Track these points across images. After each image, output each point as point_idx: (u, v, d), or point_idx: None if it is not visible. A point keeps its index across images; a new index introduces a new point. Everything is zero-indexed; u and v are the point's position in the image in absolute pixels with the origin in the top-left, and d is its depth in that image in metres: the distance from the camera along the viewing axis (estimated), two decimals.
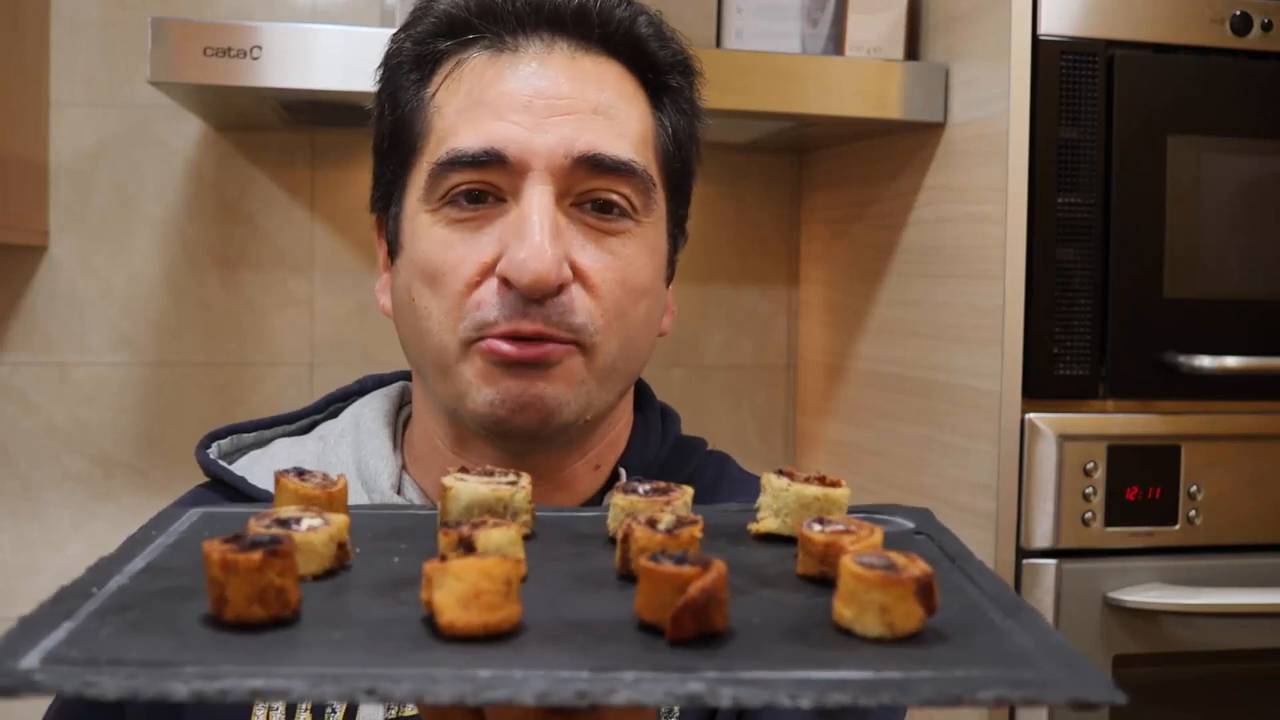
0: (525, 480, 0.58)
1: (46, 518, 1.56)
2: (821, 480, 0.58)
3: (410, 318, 0.79)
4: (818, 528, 0.51)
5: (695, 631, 0.43)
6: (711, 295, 1.74)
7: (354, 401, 0.92)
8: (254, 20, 1.39)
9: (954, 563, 0.54)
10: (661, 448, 0.87)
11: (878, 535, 0.51)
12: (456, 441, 0.82)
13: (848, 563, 0.45)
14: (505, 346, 0.74)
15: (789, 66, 1.34)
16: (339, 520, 0.52)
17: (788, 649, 0.43)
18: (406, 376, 0.93)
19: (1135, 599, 1.21)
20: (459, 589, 0.42)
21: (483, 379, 0.75)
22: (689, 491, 0.59)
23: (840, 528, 0.51)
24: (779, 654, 0.43)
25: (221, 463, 0.86)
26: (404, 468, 0.85)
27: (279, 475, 0.57)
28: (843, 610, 0.45)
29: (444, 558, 0.44)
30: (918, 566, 0.45)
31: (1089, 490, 1.22)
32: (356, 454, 0.84)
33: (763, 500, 0.58)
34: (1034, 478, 1.21)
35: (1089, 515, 1.22)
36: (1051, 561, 1.21)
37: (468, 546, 0.47)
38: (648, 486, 0.58)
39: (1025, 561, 1.22)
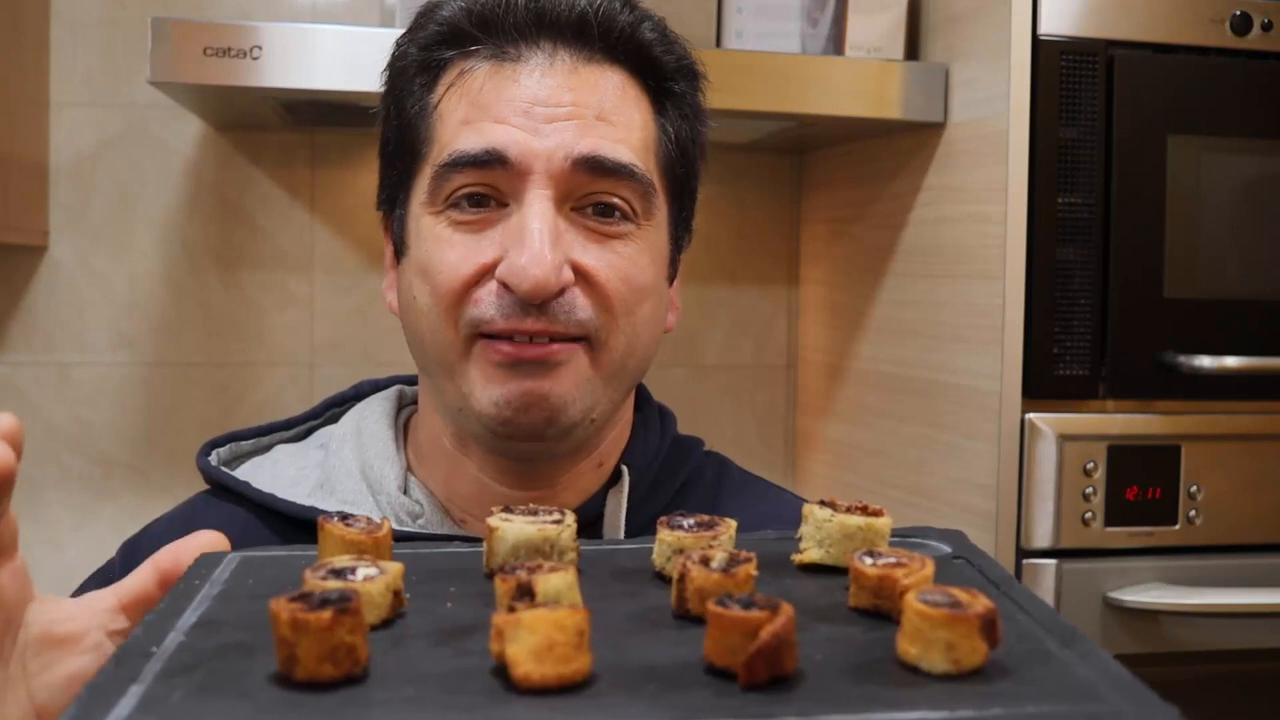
0: (570, 518, 0.59)
1: (46, 518, 1.56)
2: (864, 510, 0.58)
3: (413, 316, 0.79)
4: (869, 561, 0.52)
5: (767, 676, 0.43)
6: (711, 295, 1.74)
7: (349, 406, 0.92)
8: (254, 20, 1.39)
9: (999, 589, 0.55)
10: (661, 446, 0.88)
11: (929, 568, 0.51)
12: (460, 442, 0.82)
13: (912, 601, 0.45)
14: (507, 346, 0.74)
15: (789, 66, 1.34)
16: (394, 568, 0.51)
17: (860, 689, 0.43)
18: (402, 380, 0.93)
19: (1135, 599, 1.21)
20: (532, 641, 0.42)
21: (487, 379, 0.75)
22: (733, 525, 0.59)
23: (892, 560, 0.52)
24: (853, 695, 0.43)
25: (224, 469, 0.86)
26: (409, 469, 0.85)
27: (323, 521, 0.57)
28: (908, 647, 0.45)
29: (512, 608, 0.44)
30: (981, 603, 0.45)
31: (1089, 490, 1.22)
32: (360, 457, 0.84)
33: (805, 530, 0.59)
34: (1034, 478, 1.21)
35: (1089, 515, 1.22)
36: (1051, 561, 1.21)
37: (528, 593, 0.48)
38: (692, 521, 0.59)
39: (1025, 561, 1.22)
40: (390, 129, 0.82)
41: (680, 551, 0.56)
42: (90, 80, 1.56)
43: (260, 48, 1.20)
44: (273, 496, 0.82)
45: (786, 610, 0.44)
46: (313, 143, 1.61)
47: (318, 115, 1.46)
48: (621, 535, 0.82)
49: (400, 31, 0.84)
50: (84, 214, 1.57)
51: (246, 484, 0.83)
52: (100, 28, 1.55)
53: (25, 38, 1.48)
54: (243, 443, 0.91)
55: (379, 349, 1.62)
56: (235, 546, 0.80)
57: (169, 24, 1.19)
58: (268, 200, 1.61)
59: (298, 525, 0.80)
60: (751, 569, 0.51)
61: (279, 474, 0.86)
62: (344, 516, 0.58)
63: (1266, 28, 1.26)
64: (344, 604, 0.44)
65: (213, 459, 0.87)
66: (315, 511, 0.79)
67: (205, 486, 0.88)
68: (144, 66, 1.20)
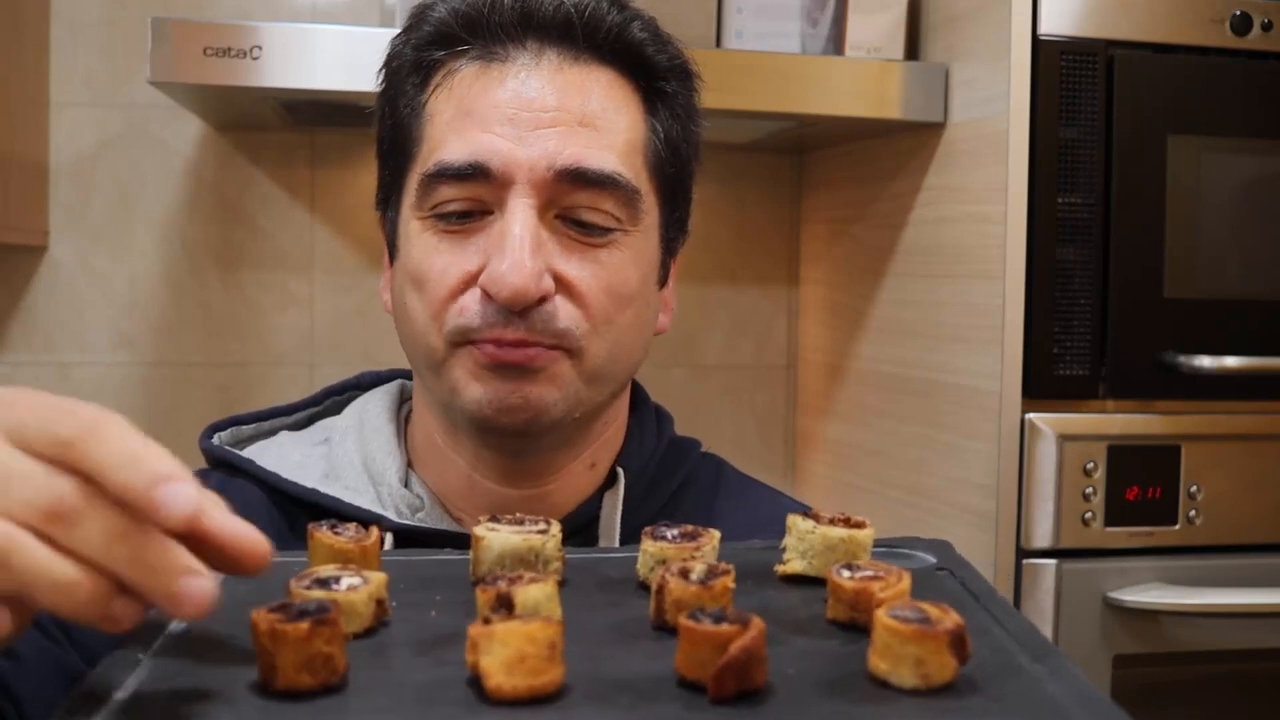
0: (555, 528, 0.59)
1: None
2: (846, 521, 0.59)
3: (403, 318, 0.80)
4: (847, 574, 0.52)
5: (736, 690, 0.43)
6: (711, 295, 1.74)
7: (351, 395, 0.93)
8: (254, 20, 1.39)
9: (978, 601, 0.55)
10: (657, 448, 0.88)
11: (906, 581, 0.51)
12: (452, 438, 0.82)
13: (882, 616, 0.45)
14: (490, 348, 0.75)
15: (789, 66, 1.34)
16: (378, 578, 0.52)
17: (828, 704, 0.44)
18: (403, 374, 0.93)
19: (1135, 599, 1.21)
20: (504, 654, 0.43)
21: (471, 377, 0.76)
22: (716, 535, 0.60)
23: (869, 574, 0.52)
24: (821, 710, 0.43)
25: (230, 448, 0.86)
26: (409, 464, 0.86)
27: (312, 529, 0.57)
28: (878, 663, 0.45)
29: (487, 620, 0.45)
30: (950, 618, 0.45)
31: (1089, 490, 1.22)
32: (362, 450, 0.85)
33: (788, 542, 0.59)
34: (1034, 478, 1.21)
35: (1089, 515, 1.22)
36: (1051, 561, 1.21)
37: (506, 605, 0.48)
38: (675, 531, 0.59)
39: (1025, 561, 1.22)
40: (385, 129, 0.83)
41: (663, 562, 0.56)
42: (90, 80, 1.56)
43: (260, 48, 1.20)
44: (278, 476, 0.82)
45: (757, 624, 0.44)
46: (313, 143, 1.61)
47: (318, 115, 1.46)
48: (617, 537, 0.82)
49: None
50: (84, 214, 1.57)
51: (251, 461, 0.84)
52: (100, 28, 1.55)
53: (25, 38, 1.48)
54: (244, 427, 0.91)
55: (379, 349, 1.62)
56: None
57: (169, 24, 1.19)
58: (268, 200, 1.61)
59: (302, 506, 0.81)
60: (729, 581, 0.51)
61: (284, 456, 0.86)
62: (333, 525, 0.58)
63: (1266, 28, 1.26)
64: (321, 615, 0.44)
65: (216, 440, 0.88)
66: (320, 495, 0.80)
67: None
68: (144, 66, 1.20)
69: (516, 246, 0.73)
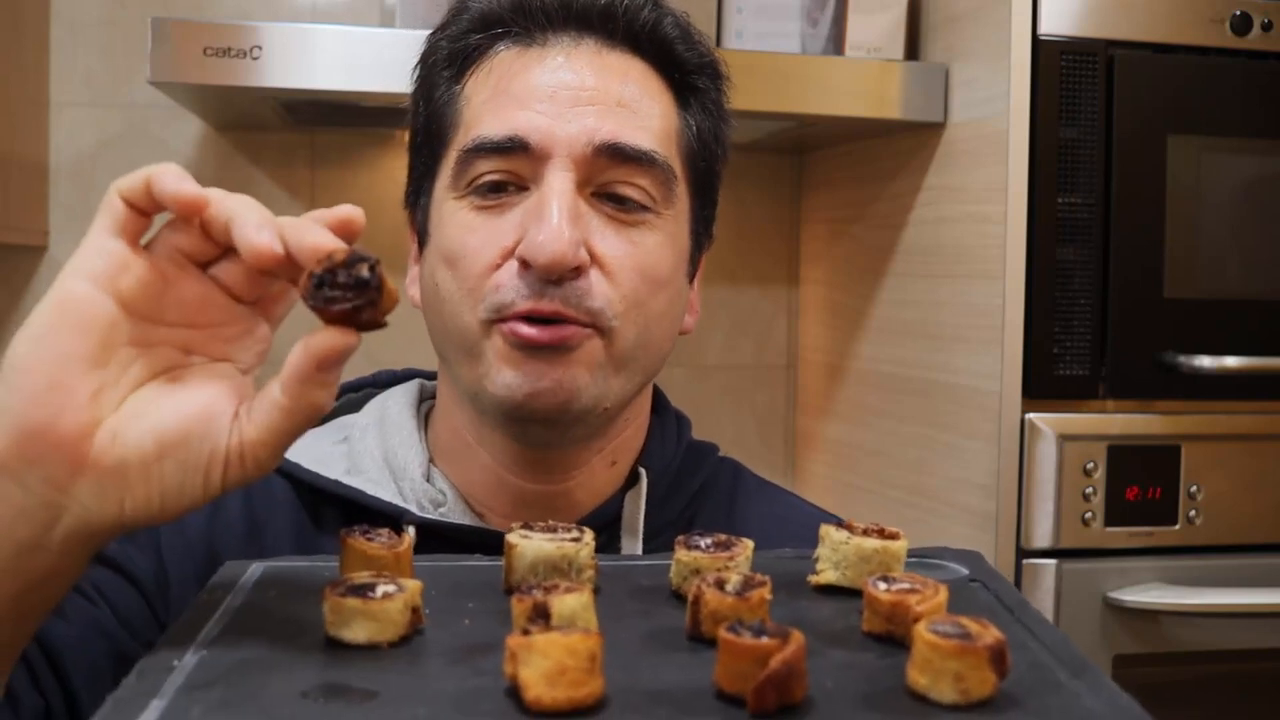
0: (589, 536, 0.59)
1: None
2: (880, 532, 0.58)
3: (434, 302, 0.80)
4: (883, 586, 0.52)
5: (776, 704, 0.43)
6: (711, 295, 1.74)
7: (368, 392, 0.93)
8: (254, 20, 1.39)
9: (1013, 614, 0.55)
10: (677, 449, 0.88)
11: (943, 594, 0.51)
12: (477, 431, 0.82)
13: (922, 631, 0.45)
14: (525, 329, 0.74)
15: (789, 66, 1.34)
16: (413, 586, 0.52)
17: (867, 718, 0.44)
18: (420, 374, 0.93)
19: (1135, 599, 1.22)
20: (544, 665, 0.43)
21: (503, 360, 0.76)
22: (749, 545, 0.59)
23: (905, 586, 0.52)
24: None
25: None
26: (430, 460, 0.86)
27: (345, 535, 0.57)
28: (918, 677, 0.45)
29: (526, 631, 0.45)
30: (990, 634, 0.45)
31: (1089, 490, 1.22)
32: (383, 445, 0.85)
33: (821, 552, 0.59)
34: (1034, 478, 1.21)
35: (1089, 515, 1.22)
36: (1051, 561, 1.21)
37: (544, 615, 0.48)
38: (709, 541, 0.59)
39: (1025, 561, 1.22)
40: (418, 121, 0.84)
41: (697, 572, 0.56)
42: (90, 80, 1.56)
43: (260, 48, 1.20)
44: (302, 468, 0.82)
45: (797, 639, 0.44)
46: (313, 143, 1.61)
47: (318, 115, 1.46)
48: (640, 538, 0.82)
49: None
50: (84, 214, 1.57)
51: None
52: (100, 28, 1.55)
53: (25, 38, 1.48)
54: None
55: (380, 349, 1.62)
56: (267, 515, 0.81)
57: (169, 24, 1.19)
58: (268, 200, 1.59)
59: (326, 500, 0.81)
60: (765, 593, 0.51)
61: (305, 449, 0.86)
62: (365, 531, 0.58)
63: (1266, 28, 1.26)
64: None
65: None
66: (344, 487, 0.80)
67: None
68: (144, 66, 1.20)
69: (555, 214, 0.73)
